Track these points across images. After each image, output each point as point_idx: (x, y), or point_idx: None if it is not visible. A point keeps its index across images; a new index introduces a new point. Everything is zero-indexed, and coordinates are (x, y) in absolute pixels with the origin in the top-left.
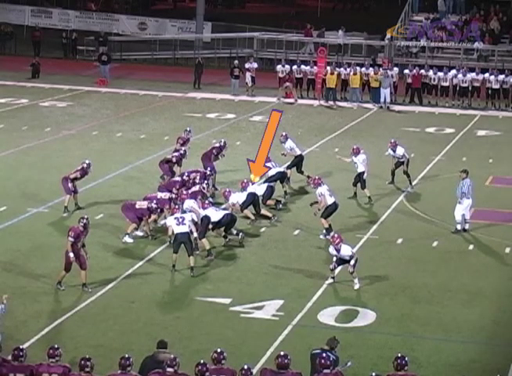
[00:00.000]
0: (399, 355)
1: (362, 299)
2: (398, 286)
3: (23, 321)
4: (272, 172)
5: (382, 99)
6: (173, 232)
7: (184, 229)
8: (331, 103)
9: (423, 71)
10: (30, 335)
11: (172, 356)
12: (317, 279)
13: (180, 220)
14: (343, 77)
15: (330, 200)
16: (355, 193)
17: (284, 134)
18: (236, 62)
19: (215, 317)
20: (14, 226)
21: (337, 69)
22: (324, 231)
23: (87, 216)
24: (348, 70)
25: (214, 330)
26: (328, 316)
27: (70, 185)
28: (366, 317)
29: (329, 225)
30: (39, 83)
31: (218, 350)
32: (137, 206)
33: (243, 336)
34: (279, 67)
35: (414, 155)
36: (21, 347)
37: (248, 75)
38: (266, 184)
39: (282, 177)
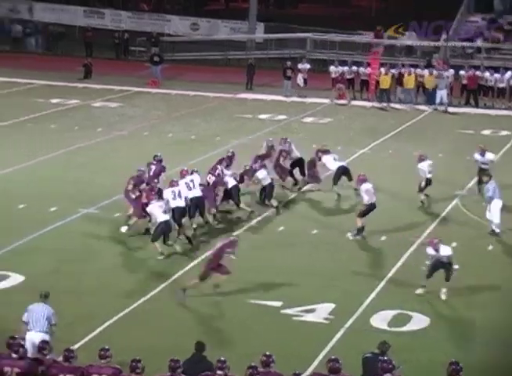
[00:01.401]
0: (453, 360)
1: (416, 303)
2: (452, 290)
3: (72, 322)
4: (333, 168)
5: (438, 101)
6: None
7: (167, 217)
8: (384, 104)
9: (478, 72)
10: (81, 336)
11: None
12: (370, 281)
13: (164, 208)
14: (397, 77)
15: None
16: (423, 202)
17: (285, 138)
18: (289, 63)
19: (266, 320)
20: (64, 226)
21: (391, 70)
22: (355, 231)
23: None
24: (402, 70)
25: (266, 334)
26: (381, 320)
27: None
28: (419, 322)
29: (363, 227)
30: (91, 83)
31: (267, 353)
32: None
33: (294, 339)
34: (332, 68)
35: (469, 158)
36: (71, 348)
37: (300, 76)
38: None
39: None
